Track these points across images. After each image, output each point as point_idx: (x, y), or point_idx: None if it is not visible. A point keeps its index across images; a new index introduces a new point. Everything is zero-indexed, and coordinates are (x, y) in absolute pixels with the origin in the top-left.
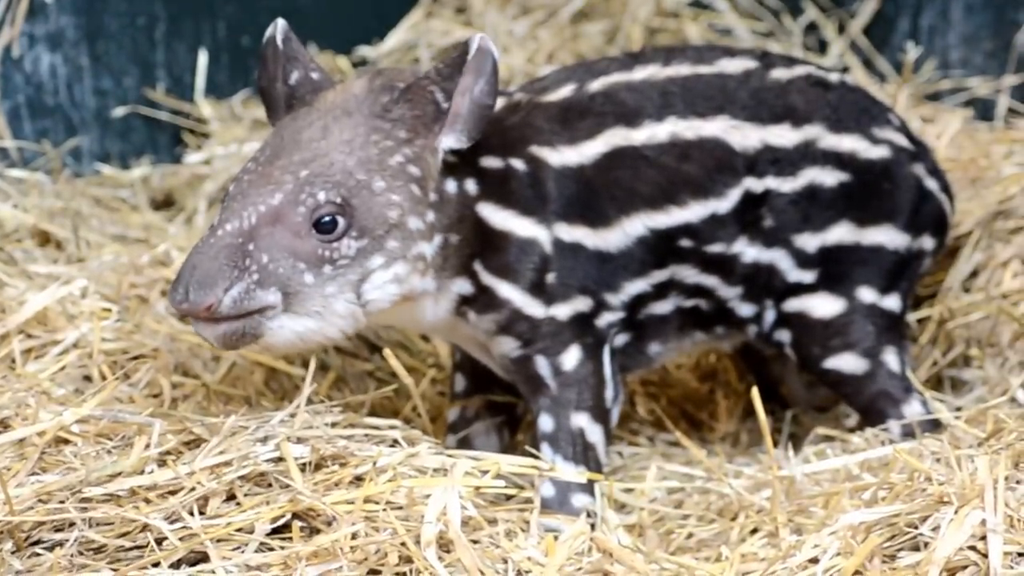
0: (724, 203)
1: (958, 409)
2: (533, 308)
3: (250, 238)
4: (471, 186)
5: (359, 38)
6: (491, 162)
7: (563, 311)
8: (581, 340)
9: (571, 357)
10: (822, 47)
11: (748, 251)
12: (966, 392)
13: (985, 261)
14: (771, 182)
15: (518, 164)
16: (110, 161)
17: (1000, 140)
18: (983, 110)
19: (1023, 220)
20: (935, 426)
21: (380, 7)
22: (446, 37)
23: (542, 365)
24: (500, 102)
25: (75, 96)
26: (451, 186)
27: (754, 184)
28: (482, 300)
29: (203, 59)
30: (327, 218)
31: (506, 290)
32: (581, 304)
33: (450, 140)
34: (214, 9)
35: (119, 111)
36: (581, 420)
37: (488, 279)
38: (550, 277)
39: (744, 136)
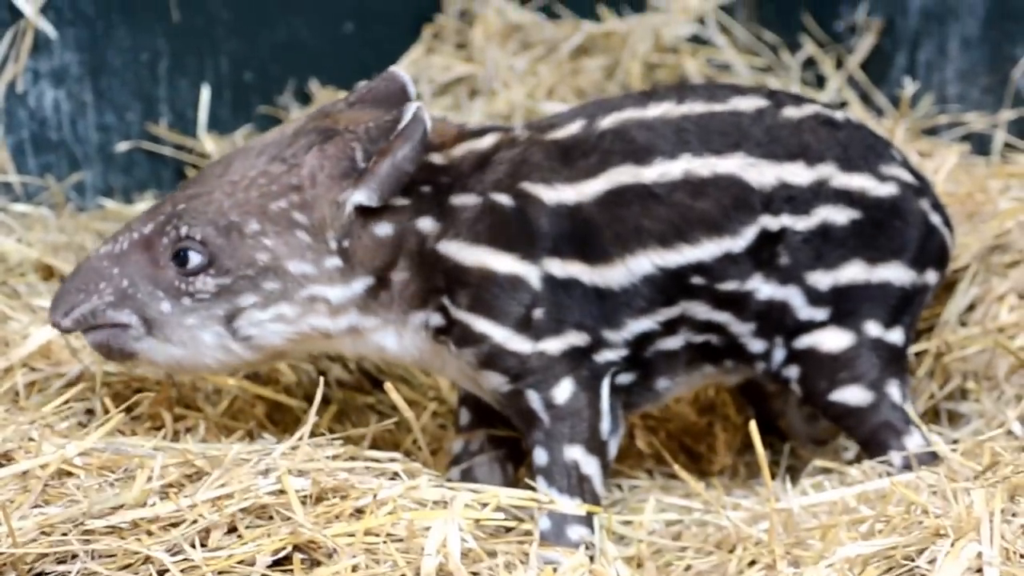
0: (739, 241)
1: (955, 442)
2: (518, 344)
3: (116, 262)
4: (427, 225)
5: (360, 73)
6: (463, 200)
7: (554, 346)
8: (574, 373)
9: (563, 390)
10: (820, 82)
11: (763, 288)
12: (963, 425)
13: (982, 295)
14: (786, 220)
15: (502, 199)
16: (113, 195)
17: (997, 175)
18: (980, 145)
19: (1020, 254)
20: (935, 458)
21: (381, 43)
22: (447, 72)
23: (533, 399)
24: (493, 138)
25: (78, 131)
26: (383, 230)
27: (770, 222)
28: (456, 333)
29: (205, 94)
30: (187, 252)
31: (483, 325)
32: (576, 339)
33: (361, 196)
34: (216, 45)
35: (122, 146)
36: (575, 453)
37: (460, 314)
38: (538, 313)
39: (760, 173)
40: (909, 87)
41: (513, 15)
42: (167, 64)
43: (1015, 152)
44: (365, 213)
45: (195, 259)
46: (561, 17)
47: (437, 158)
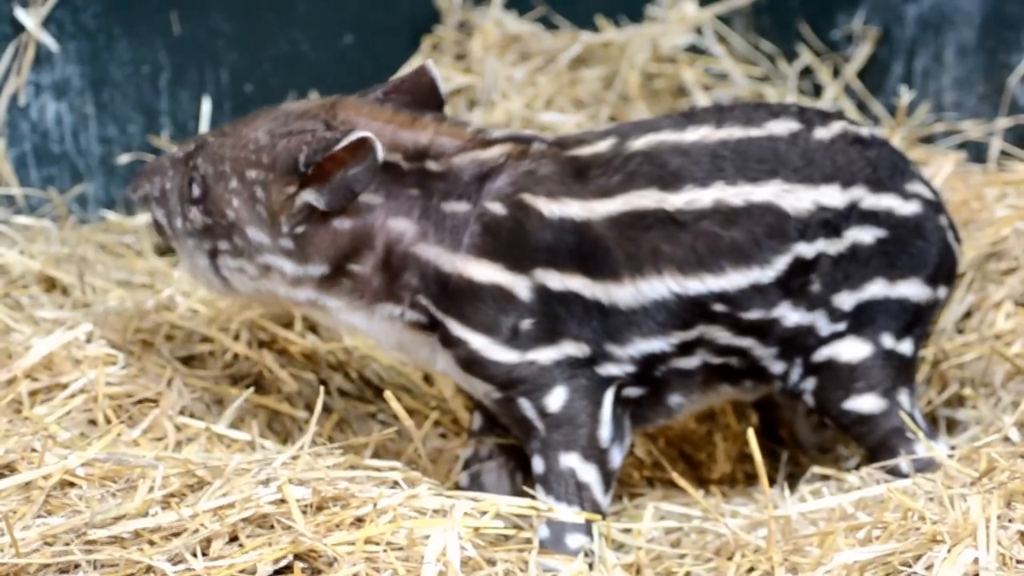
0: (769, 272)
1: (952, 448)
2: (501, 354)
3: (172, 166)
4: (402, 226)
5: (360, 84)
6: (455, 207)
7: (547, 355)
8: (570, 381)
9: (556, 398)
10: (817, 91)
11: (791, 315)
12: (960, 432)
13: (978, 302)
14: (821, 245)
15: (496, 208)
16: (115, 207)
17: (993, 182)
18: (976, 153)
19: (1016, 261)
20: (933, 464)
21: (381, 54)
22: (446, 83)
23: (526, 407)
24: (502, 149)
25: (80, 144)
26: (341, 224)
27: (805, 249)
28: (440, 333)
29: (206, 106)
30: (193, 183)
31: (461, 331)
32: (572, 349)
33: (310, 197)
34: (217, 57)
35: (124, 158)
36: (571, 460)
37: (440, 315)
38: (526, 324)
39: (798, 199)
40: (905, 95)
41: (512, 26)
42: (168, 76)
43: (1011, 160)
44: (306, 210)
45: (195, 191)
46: (559, 28)
47: (434, 165)
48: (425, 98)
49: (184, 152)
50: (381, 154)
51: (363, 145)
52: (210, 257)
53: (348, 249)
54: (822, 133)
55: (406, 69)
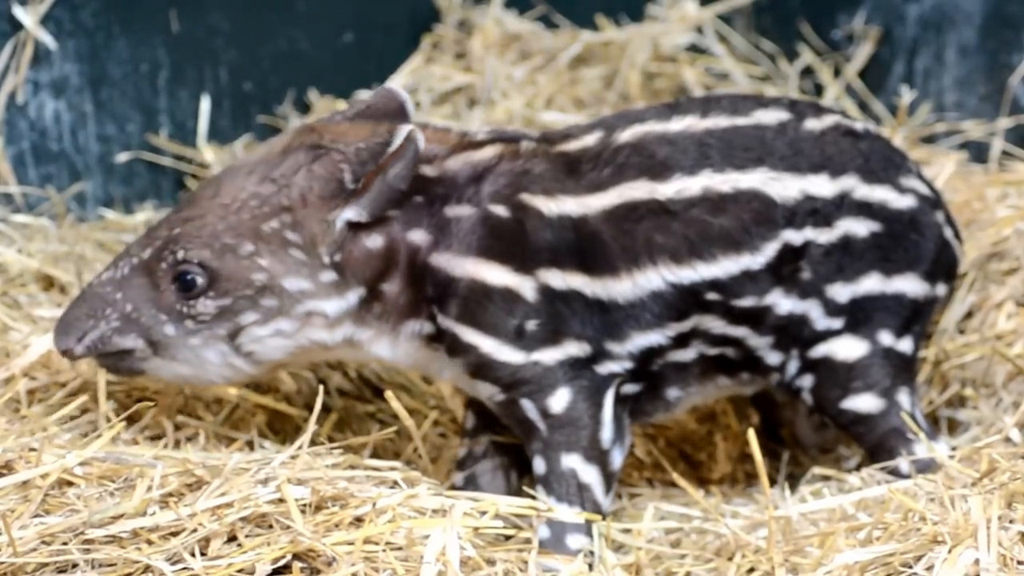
0: (759, 258)
1: (953, 449)
2: (508, 355)
3: (119, 288)
4: (419, 237)
5: (360, 83)
6: (458, 211)
7: (550, 356)
8: (573, 382)
9: (559, 400)
10: (818, 91)
11: (783, 303)
12: (961, 432)
13: (980, 302)
14: (810, 233)
15: (498, 211)
16: (114, 206)
17: (994, 182)
18: (977, 153)
19: (1017, 262)
20: (937, 465)
21: (381, 53)
22: (446, 82)
23: (529, 408)
24: (494, 149)
25: (79, 142)
26: (374, 242)
27: (793, 236)
28: (447, 341)
29: (205, 105)
30: (187, 276)
31: (471, 335)
32: (575, 349)
33: (351, 213)
34: (216, 55)
35: (122, 156)
36: (573, 461)
37: (448, 323)
38: (531, 325)
39: (784, 187)
40: (907, 95)
41: (512, 25)
42: (167, 75)
43: (1012, 160)
44: (356, 226)
45: (196, 282)
46: (559, 27)
47: (429, 170)
48: (395, 119)
49: (130, 265)
50: (422, 143)
51: (407, 141)
52: (229, 340)
53: (381, 267)
54: (813, 124)
55: (406, 68)
